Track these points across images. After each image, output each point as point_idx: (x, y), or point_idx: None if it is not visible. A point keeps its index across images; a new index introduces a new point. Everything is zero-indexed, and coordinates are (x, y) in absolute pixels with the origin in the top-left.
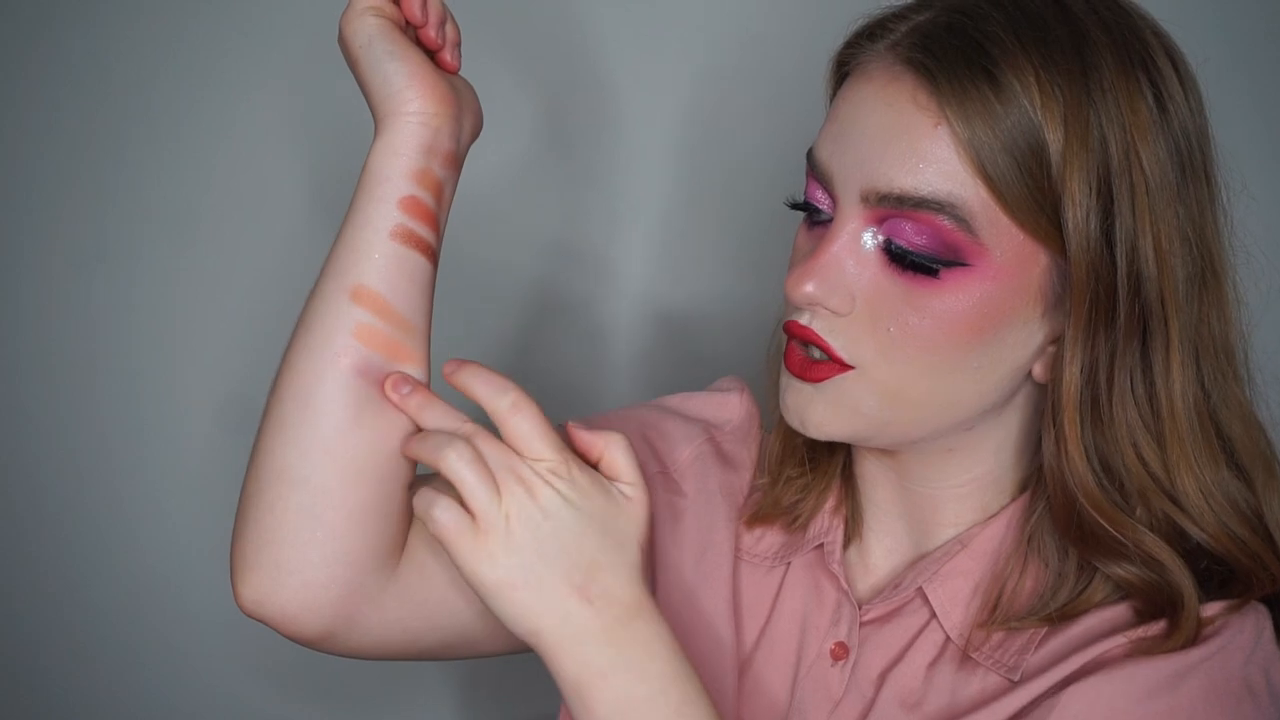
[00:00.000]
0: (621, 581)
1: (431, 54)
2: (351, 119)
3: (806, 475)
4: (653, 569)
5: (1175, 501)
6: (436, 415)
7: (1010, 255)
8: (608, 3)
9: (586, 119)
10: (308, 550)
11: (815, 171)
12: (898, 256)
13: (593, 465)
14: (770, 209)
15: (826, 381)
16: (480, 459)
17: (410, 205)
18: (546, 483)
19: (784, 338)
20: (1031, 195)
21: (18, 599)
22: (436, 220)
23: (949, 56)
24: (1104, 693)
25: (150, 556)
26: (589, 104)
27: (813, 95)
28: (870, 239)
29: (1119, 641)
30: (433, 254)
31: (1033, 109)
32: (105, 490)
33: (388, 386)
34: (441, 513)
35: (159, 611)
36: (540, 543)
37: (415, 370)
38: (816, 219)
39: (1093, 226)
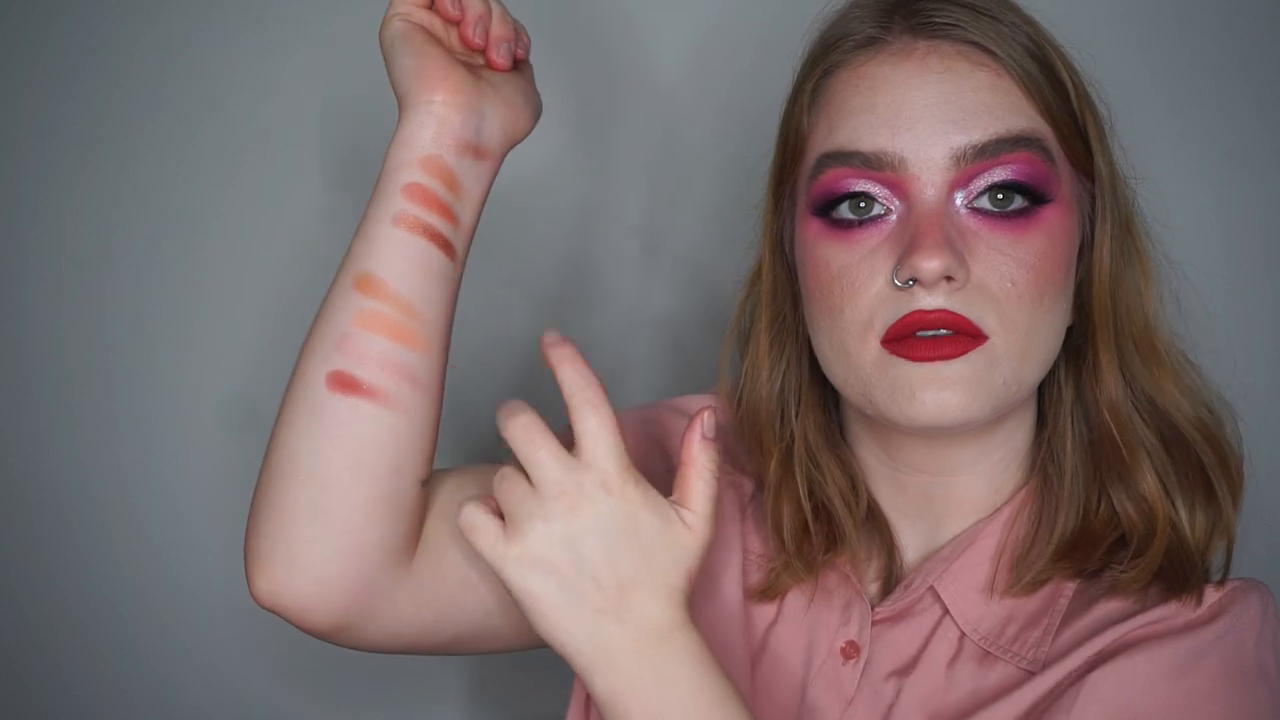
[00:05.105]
0: (658, 604)
1: (481, 54)
2: (364, 121)
3: (840, 550)
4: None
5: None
6: (569, 374)
7: (1069, 185)
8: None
9: (619, 119)
10: (319, 544)
11: (869, 165)
12: (997, 202)
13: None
14: None
15: (965, 357)
16: (519, 480)
17: (414, 191)
18: (592, 500)
19: (873, 348)
20: (1074, 125)
21: (23, 597)
22: (450, 210)
23: (973, 18)
24: (1127, 676)
25: (158, 554)
26: (622, 105)
27: None
28: (961, 201)
29: (1130, 625)
30: (445, 243)
31: (1048, 52)
32: (112, 488)
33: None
34: (479, 533)
35: (165, 607)
36: (576, 560)
37: (425, 359)
38: (865, 215)
39: (1107, 144)
